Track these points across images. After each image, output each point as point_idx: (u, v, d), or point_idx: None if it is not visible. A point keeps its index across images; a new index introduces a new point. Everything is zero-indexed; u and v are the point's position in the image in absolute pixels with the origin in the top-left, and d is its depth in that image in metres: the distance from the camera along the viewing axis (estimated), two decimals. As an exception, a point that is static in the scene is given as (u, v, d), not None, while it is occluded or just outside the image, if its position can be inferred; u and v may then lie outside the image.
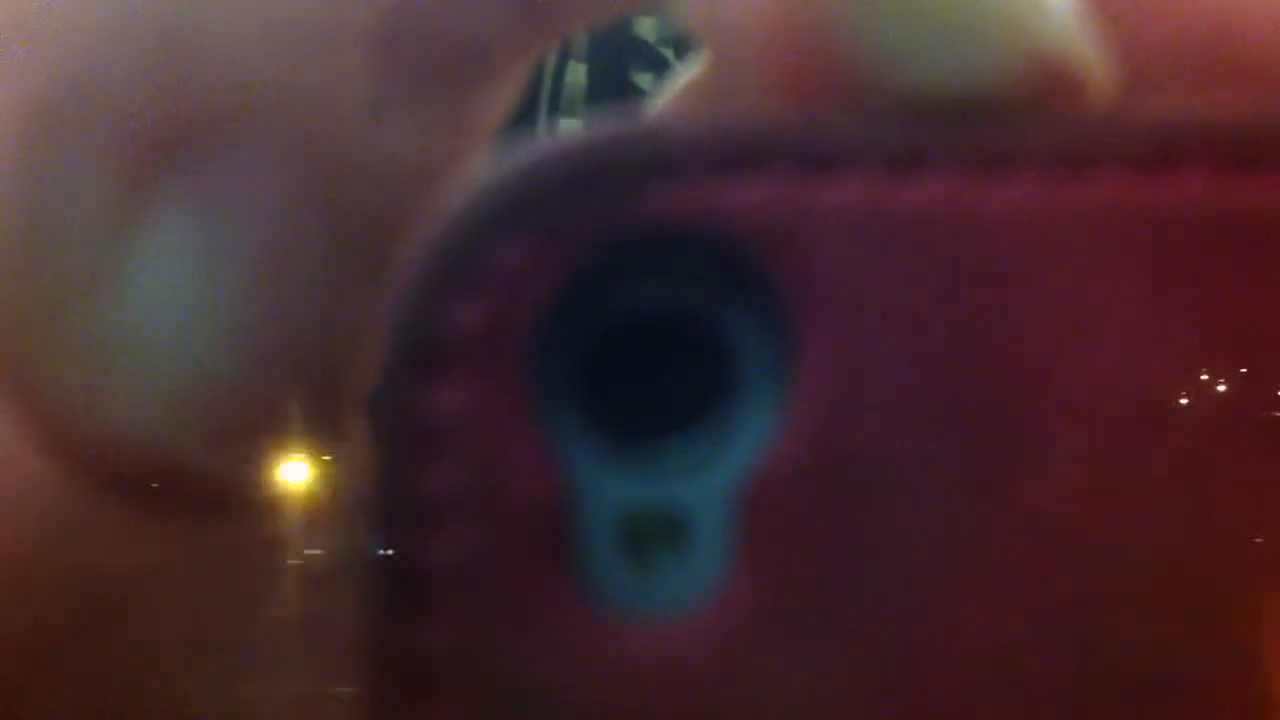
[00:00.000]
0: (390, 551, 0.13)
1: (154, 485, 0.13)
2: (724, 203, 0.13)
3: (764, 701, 0.13)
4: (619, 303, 0.13)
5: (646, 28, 1.30)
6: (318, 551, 0.14)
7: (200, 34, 0.13)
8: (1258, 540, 0.12)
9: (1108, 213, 0.12)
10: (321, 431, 0.14)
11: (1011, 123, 0.13)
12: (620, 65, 1.22)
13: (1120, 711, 0.12)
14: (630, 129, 0.13)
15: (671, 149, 0.13)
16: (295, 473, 0.13)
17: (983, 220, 0.13)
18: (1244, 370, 0.12)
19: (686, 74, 0.16)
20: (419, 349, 0.13)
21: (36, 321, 0.13)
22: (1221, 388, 0.12)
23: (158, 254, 0.13)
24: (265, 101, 0.13)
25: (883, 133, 0.13)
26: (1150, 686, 0.12)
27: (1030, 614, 0.12)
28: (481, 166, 0.15)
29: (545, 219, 0.13)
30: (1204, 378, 0.12)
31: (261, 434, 0.13)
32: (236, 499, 0.13)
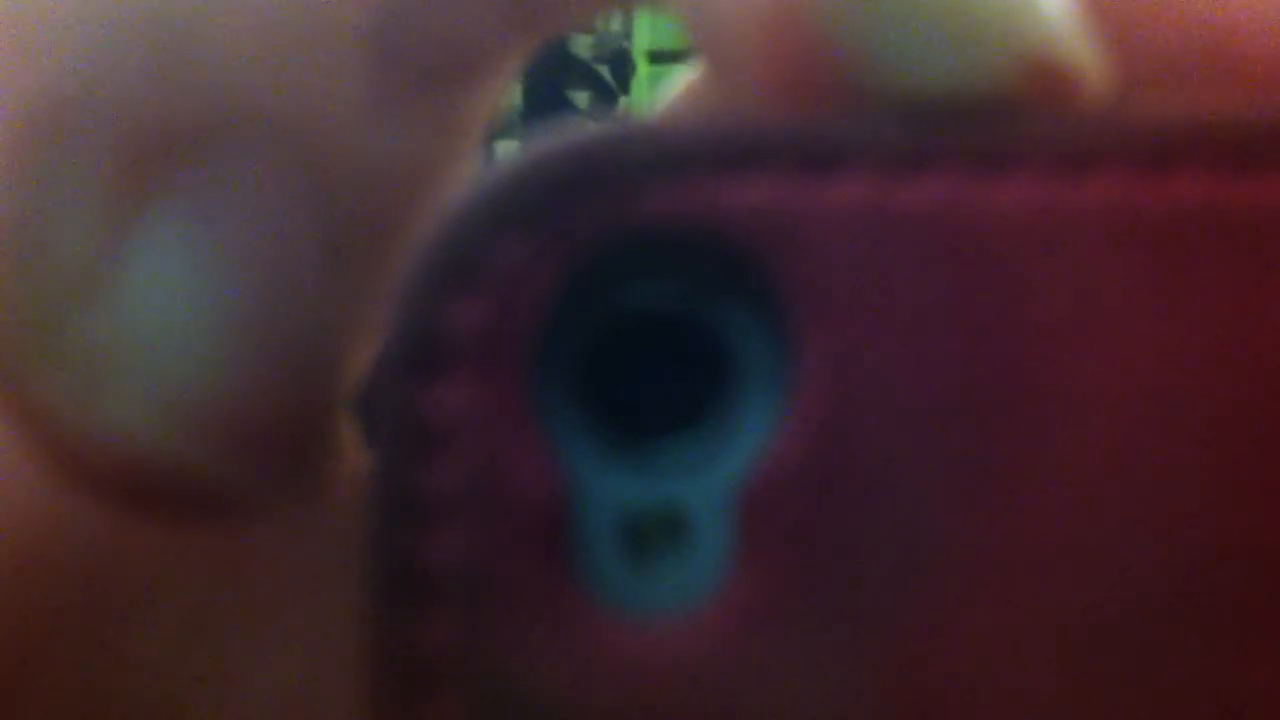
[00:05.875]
0: (390, 550, 0.13)
1: (151, 490, 0.13)
2: (724, 203, 0.13)
3: (764, 702, 0.13)
4: (619, 303, 0.13)
5: (582, 45, 1.30)
6: (318, 552, 0.14)
7: (195, 37, 0.13)
8: (1261, 541, 0.12)
9: (1108, 213, 0.13)
10: (320, 434, 0.14)
11: (1011, 123, 0.13)
12: (555, 82, 1.22)
13: (1124, 714, 0.12)
14: (630, 129, 0.13)
15: (671, 149, 0.13)
16: (295, 473, 0.13)
17: (983, 220, 0.13)
18: (1244, 370, 0.12)
19: (686, 76, 0.16)
20: (419, 349, 0.13)
21: (32, 326, 0.13)
22: (1221, 388, 0.12)
23: (154, 257, 0.13)
24: (260, 104, 0.13)
25: (883, 133, 0.13)
26: (1154, 689, 0.12)
27: (1033, 616, 0.12)
28: (476, 167, 0.15)
29: (545, 219, 0.13)
30: (1204, 378, 0.12)
31: (259, 437, 0.13)
32: (235, 503, 0.13)
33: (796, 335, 0.13)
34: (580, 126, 0.13)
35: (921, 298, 0.13)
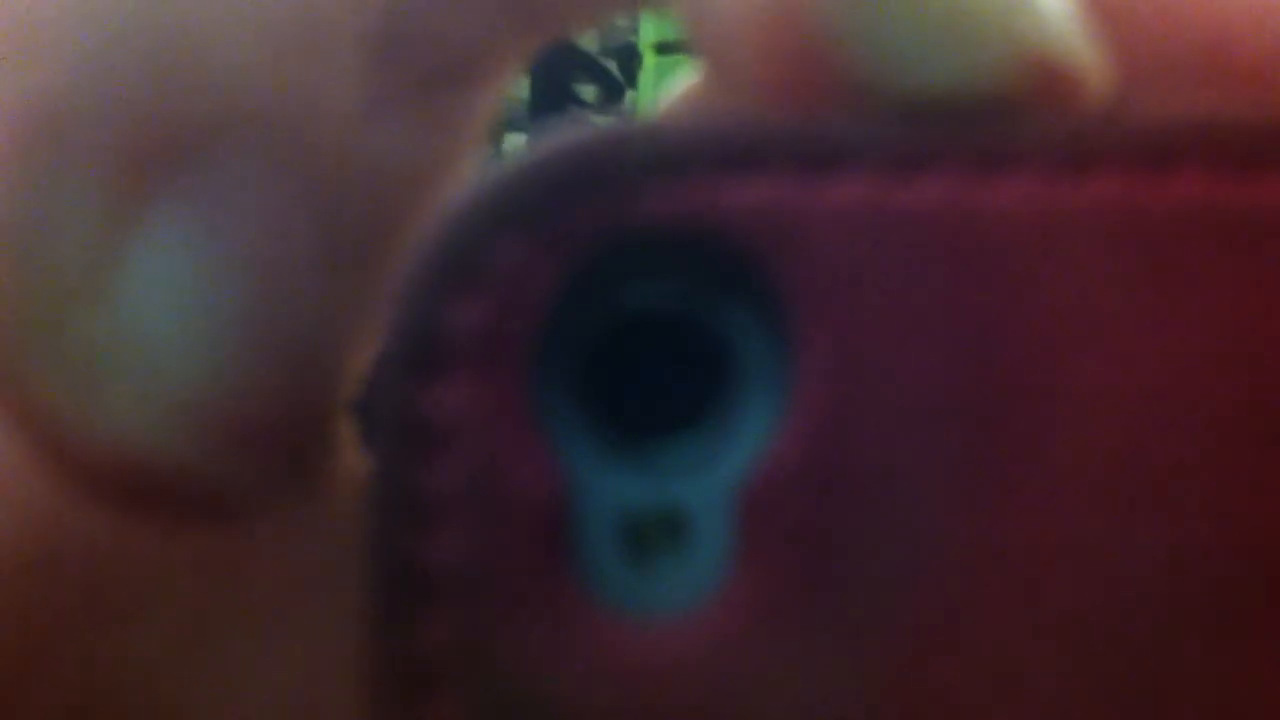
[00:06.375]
0: (390, 550, 0.13)
1: (151, 490, 0.13)
2: (724, 203, 0.13)
3: (764, 702, 0.13)
4: (619, 303, 0.13)
5: (587, 38, 1.30)
6: (318, 552, 0.14)
7: (195, 39, 0.13)
8: (1261, 541, 0.12)
9: (1108, 213, 0.13)
10: (320, 434, 0.14)
11: (1011, 123, 0.13)
12: (562, 77, 1.22)
13: (1125, 714, 0.12)
14: (630, 129, 0.13)
15: (671, 149, 0.13)
16: (295, 473, 0.13)
17: (983, 220, 0.13)
18: (1244, 370, 0.12)
19: (686, 77, 0.16)
20: (419, 349, 0.13)
21: (32, 326, 0.13)
22: (1221, 388, 0.12)
23: (154, 258, 0.13)
24: (259, 105, 0.13)
25: (883, 133, 0.13)
26: (1156, 689, 0.12)
27: (1033, 615, 0.12)
28: (481, 163, 0.15)
29: (545, 219, 0.13)
30: (1204, 378, 0.12)
31: (258, 438, 0.13)
32: (235, 503, 0.13)
33: (796, 335, 0.13)
34: (583, 125, 0.13)
35: (921, 298, 0.13)
